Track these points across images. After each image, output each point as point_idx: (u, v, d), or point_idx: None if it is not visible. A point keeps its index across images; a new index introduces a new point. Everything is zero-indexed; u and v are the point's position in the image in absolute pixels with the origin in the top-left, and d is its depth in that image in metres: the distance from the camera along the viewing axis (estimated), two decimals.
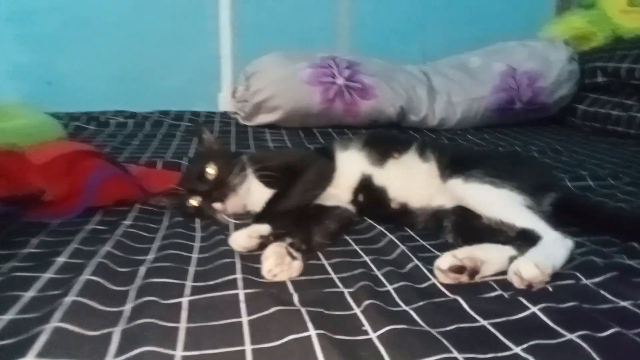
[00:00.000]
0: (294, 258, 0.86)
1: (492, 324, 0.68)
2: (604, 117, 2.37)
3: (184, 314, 0.69)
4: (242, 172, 1.17)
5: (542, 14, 3.00)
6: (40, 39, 2.52)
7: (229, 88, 2.70)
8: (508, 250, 0.89)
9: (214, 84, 2.78)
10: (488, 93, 2.42)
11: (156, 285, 0.78)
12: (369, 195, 1.19)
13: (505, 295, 0.77)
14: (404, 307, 0.74)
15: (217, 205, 1.13)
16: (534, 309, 0.70)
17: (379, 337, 0.64)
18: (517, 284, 0.80)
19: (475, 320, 0.69)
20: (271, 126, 2.34)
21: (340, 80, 2.28)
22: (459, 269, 0.82)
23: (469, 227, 1.03)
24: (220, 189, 1.13)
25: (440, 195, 1.11)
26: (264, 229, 0.99)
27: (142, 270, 0.84)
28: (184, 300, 0.73)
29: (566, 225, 0.99)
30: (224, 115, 2.58)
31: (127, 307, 0.71)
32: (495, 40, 2.64)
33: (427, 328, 0.67)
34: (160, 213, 1.21)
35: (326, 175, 1.18)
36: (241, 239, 0.95)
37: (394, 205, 1.17)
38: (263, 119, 2.34)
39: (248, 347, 0.62)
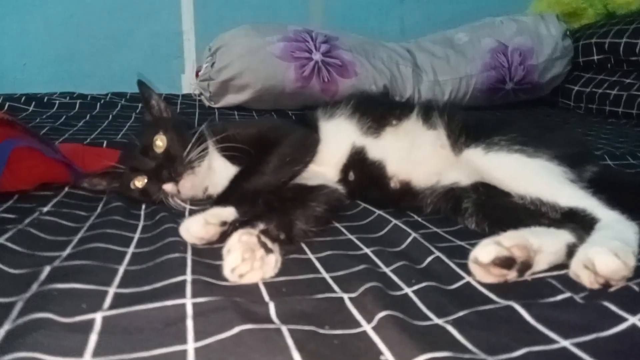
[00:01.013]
0: (268, 251, 0.61)
1: (578, 346, 0.44)
2: (602, 97, 2.19)
3: (91, 341, 0.43)
4: (201, 146, 0.90)
5: None
6: None
7: (192, 68, 2.41)
8: (564, 236, 0.66)
9: (176, 63, 2.48)
10: (478, 71, 2.21)
11: (60, 294, 0.51)
12: (362, 172, 0.95)
13: (577, 298, 0.53)
14: (437, 321, 0.49)
15: (168, 187, 0.87)
16: (634, 319, 0.46)
17: None
18: (589, 281, 0.56)
19: (551, 341, 0.45)
20: (240, 108, 2.07)
21: (317, 56, 2.03)
22: (506, 262, 0.58)
23: (496, 208, 0.80)
24: (172, 166, 0.87)
25: (453, 170, 0.88)
26: (227, 213, 0.73)
27: (46, 271, 0.57)
28: (97, 318, 0.46)
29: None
30: (187, 97, 2.29)
31: (2, 331, 0.45)
32: (478, 17, 2.44)
33: (482, 355, 0.42)
34: (96, 198, 0.94)
35: (308, 147, 0.94)
36: (195, 227, 0.69)
37: (393, 184, 0.93)
38: (231, 99, 2.07)
39: None
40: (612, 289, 0.55)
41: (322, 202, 0.82)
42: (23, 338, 0.42)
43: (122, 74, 2.36)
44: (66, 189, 0.96)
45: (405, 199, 0.92)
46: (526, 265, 0.59)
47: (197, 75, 2.22)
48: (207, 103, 2.13)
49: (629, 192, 0.86)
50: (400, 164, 0.94)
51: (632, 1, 2.45)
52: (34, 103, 1.93)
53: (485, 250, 0.58)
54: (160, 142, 0.90)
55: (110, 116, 1.81)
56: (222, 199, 0.82)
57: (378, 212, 0.86)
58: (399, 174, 0.93)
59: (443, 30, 2.45)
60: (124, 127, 1.65)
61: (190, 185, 0.88)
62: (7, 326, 0.45)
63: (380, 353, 0.43)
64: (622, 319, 0.47)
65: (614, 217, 0.70)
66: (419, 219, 0.86)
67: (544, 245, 0.62)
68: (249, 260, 0.58)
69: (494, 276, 0.58)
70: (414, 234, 0.72)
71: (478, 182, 0.84)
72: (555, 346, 0.44)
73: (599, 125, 1.99)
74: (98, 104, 2.01)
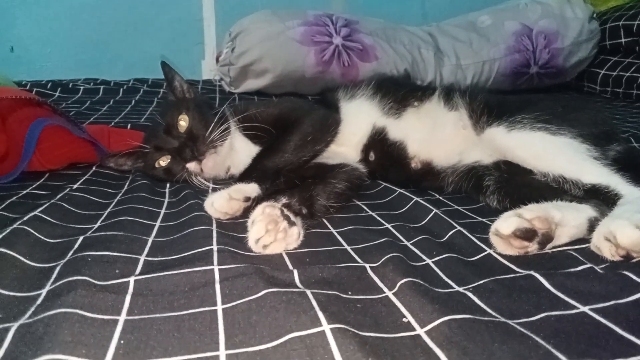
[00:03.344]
0: (291, 223, 0.62)
1: (597, 311, 0.44)
2: (630, 80, 2.14)
3: (126, 301, 0.45)
4: (223, 125, 0.92)
5: None
6: None
7: (212, 54, 2.43)
8: (586, 211, 0.66)
9: (197, 49, 2.50)
10: (501, 54, 2.17)
11: (93, 260, 0.53)
12: (383, 152, 0.96)
13: (597, 269, 0.53)
14: (457, 288, 0.50)
15: (191, 166, 0.88)
16: None
17: (432, 335, 0.41)
18: (610, 253, 0.56)
19: (571, 306, 0.45)
20: (260, 93, 2.08)
21: (337, 40, 2.02)
22: (527, 234, 0.58)
23: (518, 186, 0.79)
24: (195, 145, 0.88)
25: (474, 150, 0.88)
26: (250, 189, 0.75)
27: (80, 240, 0.59)
28: (130, 281, 0.49)
29: None
30: (208, 82, 2.32)
31: (43, 291, 0.47)
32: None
33: (501, 319, 0.43)
34: (123, 177, 0.96)
35: (329, 127, 0.94)
36: (220, 202, 0.71)
37: (414, 164, 0.93)
38: (251, 84, 2.07)
39: (222, 353, 0.39)
40: (633, 261, 0.55)
41: (342, 179, 0.83)
42: (63, 296, 0.44)
43: (144, 60, 2.38)
44: (93, 168, 0.99)
45: (427, 178, 0.93)
46: (547, 238, 0.59)
47: (217, 60, 2.24)
48: (227, 88, 2.14)
49: None
50: (422, 145, 0.94)
51: None
52: (59, 89, 1.97)
53: (506, 222, 0.59)
54: (183, 122, 0.91)
55: (133, 101, 1.84)
56: (244, 177, 0.84)
57: (399, 190, 0.86)
58: (420, 154, 0.93)
59: (465, 13, 2.42)
60: (146, 111, 1.68)
61: (212, 164, 0.90)
62: (47, 287, 0.47)
63: (402, 316, 0.44)
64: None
65: (637, 193, 0.69)
66: (440, 198, 0.87)
67: (566, 218, 0.62)
68: (272, 231, 0.60)
69: (515, 248, 0.58)
70: (435, 210, 0.73)
71: (500, 160, 0.84)
72: (574, 311, 0.45)
73: (625, 109, 1.95)
74: (121, 90, 2.04)
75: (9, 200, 0.75)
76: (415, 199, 0.79)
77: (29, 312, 0.43)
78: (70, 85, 2.04)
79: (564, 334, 0.41)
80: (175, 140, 0.90)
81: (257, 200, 0.74)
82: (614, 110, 1.92)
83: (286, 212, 0.63)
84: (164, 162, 0.91)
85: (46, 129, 0.93)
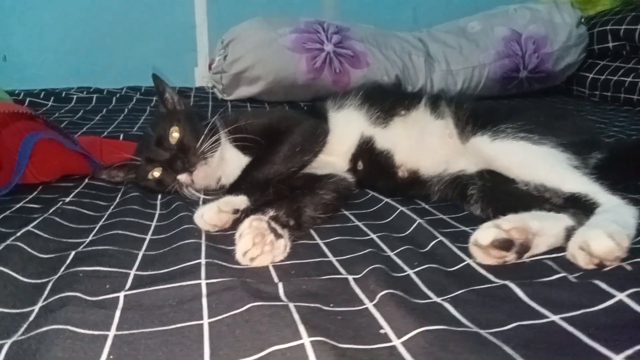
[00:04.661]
0: (278, 236, 0.64)
1: (566, 320, 0.46)
2: (617, 84, 2.17)
3: (115, 317, 0.47)
4: (214, 137, 0.93)
5: None
6: None
7: (205, 62, 2.45)
8: (564, 220, 0.68)
9: (189, 57, 2.51)
10: (491, 60, 2.20)
11: (85, 275, 0.55)
12: (371, 162, 0.98)
13: (571, 277, 0.55)
14: (435, 299, 0.52)
15: (182, 177, 0.90)
16: (621, 295, 0.49)
17: (407, 345, 0.43)
18: (584, 262, 0.59)
19: (541, 315, 0.47)
20: (253, 100, 2.10)
21: (328, 47, 2.05)
22: (505, 244, 0.60)
23: (500, 194, 0.82)
24: (186, 157, 0.90)
25: (460, 158, 0.90)
26: (239, 201, 0.77)
27: (72, 255, 0.61)
28: (120, 296, 0.50)
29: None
30: (200, 90, 2.33)
31: (36, 308, 0.49)
32: (491, 5, 2.43)
33: (475, 329, 0.45)
34: (115, 189, 0.98)
35: (317, 137, 0.96)
36: (209, 215, 0.73)
37: (401, 172, 0.95)
38: (243, 92, 2.10)
39: None
40: (606, 269, 0.57)
41: (330, 190, 0.85)
42: (55, 313, 0.46)
43: (137, 67, 2.40)
44: (86, 180, 1.01)
45: (413, 187, 0.95)
46: (525, 247, 0.62)
47: (210, 68, 2.26)
48: (220, 95, 2.16)
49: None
50: (409, 153, 0.96)
51: None
52: (52, 98, 1.98)
53: (485, 233, 0.61)
54: (175, 134, 0.93)
55: (126, 110, 1.86)
56: (234, 188, 0.85)
57: (386, 200, 0.88)
58: (407, 163, 0.95)
59: (456, 19, 2.45)
60: (139, 120, 1.69)
61: (203, 175, 0.92)
62: (40, 303, 0.49)
63: (380, 327, 0.46)
64: (611, 296, 0.49)
65: (615, 201, 0.72)
66: (426, 206, 0.89)
67: (544, 228, 0.64)
68: (259, 244, 0.62)
69: (493, 258, 0.61)
70: (419, 220, 0.75)
71: (484, 169, 0.86)
72: (544, 320, 0.47)
73: (613, 113, 1.98)
74: (114, 98, 2.05)
75: (3, 215, 0.77)
76: (401, 208, 0.81)
77: (22, 329, 0.45)
78: (63, 94, 2.05)
79: (533, 342, 0.43)
80: (166, 152, 0.92)
81: (246, 212, 0.76)
82: (602, 114, 1.95)
83: (273, 224, 0.65)
84: (156, 173, 0.93)
85: (39, 142, 0.95)
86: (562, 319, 0.47)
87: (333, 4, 2.61)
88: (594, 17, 2.41)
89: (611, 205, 0.70)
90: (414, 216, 0.77)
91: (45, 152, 0.96)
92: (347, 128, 1.00)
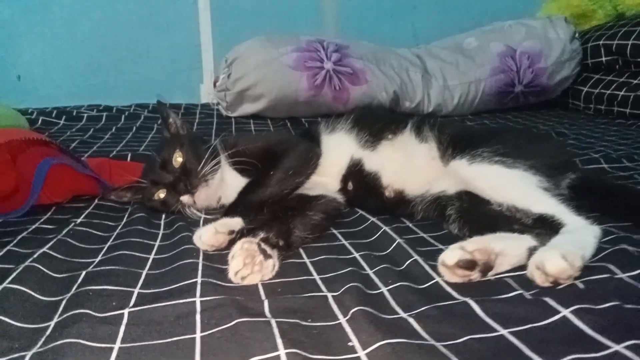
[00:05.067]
0: (267, 256, 0.71)
1: (514, 334, 0.53)
2: (610, 98, 2.22)
3: (120, 331, 0.54)
4: (214, 160, 1.01)
5: None
6: (1, 30, 2.34)
7: (210, 79, 2.54)
8: (526, 241, 0.74)
9: (195, 74, 2.61)
10: (486, 75, 2.27)
11: (94, 294, 0.62)
12: (360, 182, 1.04)
13: (527, 295, 0.62)
14: (402, 314, 0.59)
15: (185, 198, 0.98)
16: (565, 312, 0.55)
17: (370, 356, 0.49)
18: (540, 280, 0.65)
19: (492, 330, 0.54)
20: (256, 116, 2.18)
21: (328, 65, 2.12)
22: (469, 264, 0.67)
23: (476, 214, 0.88)
24: (188, 179, 0.98)
25: (441, 180, 0.97)
26: (235, 222, 0.84)
27: (82, 275, 0.68)
28: (125, 313, 0.58)
29: (586, 212, 0.83)
30: (205, 106, 2.42)
31: (52, 323, 0.56)
32: (490, 21, 2.50)
33: (431, 341, 0.52)
34: (122, 209, 1.06)
35: (310, 160, 1.03)
36: (207, 236, 0.80)
37: (388, 193, 1.02)
38: (247, 109, 2.18)
39: None
40: (560, 287, 0.63)
41: (319, 210, 0.92)
42: (68, 328, 0.53)
43: (145, 85, 2.51)
44: (96, 200, 1.09)
45: (399, 206, 1.01)
46: (488, 267, 0.68)
47: (214, 85, 2.34)
48: (224, 112, 2.24)
49: (603, 196, 0.93)
50: (395, 175, 1.02)
51: None
52: (64, 117, 2.07)
53: (450, 254, 0.68)
54: (179, 158, 1.00)
55: (134, 128, 1.93)
56: (231, 210, 0.92)
57: (372, 219, 0.95)
58: (393, 184, 1.02)
59: (453, 34, 2.52)
60: (146, 138, 1.77)
61: (204, 196, 0.99)
62: (55, 319, 0.57)
63: (349, 340, 0.53)
64: (557, 312, 0.55)
65: (579, 223, 0.78)
66: (410, 225, 0.95)
67: (507, 249, 0.71)
68: (249, 264, 0.69)
69: (459, 276, 0.67)
70: (398, 240, 0.81)
71: (462, 191, 0.93)
72: (494, 334, 0.53)
73: (605, 127, 2.03)
74: (123, 116, 2.13)
75: (20, 236, 0.85)
76: (384, 228, 0.88)
77: (40, 342, 0.52)
78: (74, 113, 2.15)
79: (480, 354, 0.50)
80: (170, 175, 0.99)
81: (241, 232, 0.83)
82: (594, 128, 2.00)
83: (263, 246, 0.72)
84: (160, 195, 1.00)
85: (52, 167, 1.03)
86: (510, 332, 0.53)
87: (334, 21, 2.68)
88: (588, 32, 2.46)
89: (575, 227, 0.76)
90: (395, 236, 0.83)
91: (57, 175, 1.04)
92: (338, 150, 1.07)
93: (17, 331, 0.55)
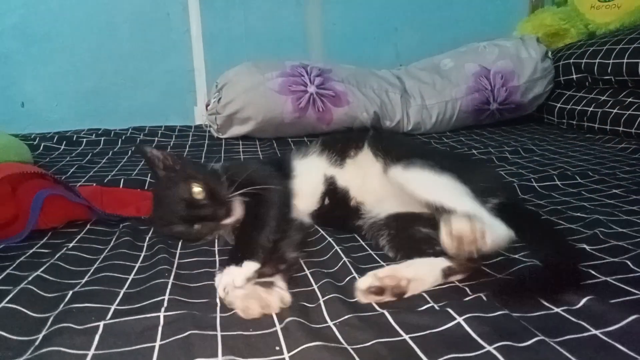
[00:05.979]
0: (269, 292, 0.78)
1: (413, 338, 0.65)
2: (581, 113, 2.35)
3: (95, 340, 0.67)
4: (221, 179, 1.05)
5: (515, 14, 2.98)
6: (6, 60, 2.50)
7: (204, 101, 2.69)
8: (440, 263, 0.85)
9: (189, 97, 2.76)
10: (462, 94, 2.40)
11: (77, 310, 0.75)
12: (334, 198, 1.15)
13: (436, 307, 0.74)
14: (329, 323, 0.71)
15: (229, 220, 1.01)
16: (459, 319, 0.67)
17: (292, 357, 0.62)
18: (449, 244, 0.77)
19: (398, 335, 0.66)
20: (245, 137, 2.32)
21: (311, 88, 2.26)
22: (378, 290, 0.78)
23: (404, 239, 0.99)
24: (220, 203, 1.00)
25: (387, 198, 1.08)
26: (254, 267, 0.86)
27: (69, 294, 0.81)
28: (100, 325, 0.70)
29: None
30: (198, 128, 2.56)
31: (40, 336, 0.69)
32: (469, 41, 2.64)
33: (344, 345, 0.64)
34: (111, 233, 1.18)
35: (287, 204, 1.10)
36: (240, 281, 0.82)
37: (352, 203, 1.14)
38: (236, 130, 2.32)
39: None
40: (465, 299, 0.75)
41: (297, 230, 1.03)
42: (53, 339, 0.66)
43: (142, 108, 2.67)
44: (88, 225, 1.22)
45: (360, 218, 1.12)
46: (400, 291, 0.79)
47: (206, 108, 2.48)
48: (215, 134, 2.38)
49: (514, 220, 0.96)
50: (358, 191, 1.14)
51: (611, 21, 2.59)
52: (64, 142, 2.20)
53: (363, 280, 0.79)
54: (196, 190, 1.01)
55: (130, 152, 2.07)
56: (245, 252, 0.89)
57: (329, 239, 1.07)
58: (357, 197, 1.14)
59: (433, 54, 2.65)
60: (140, 161, 1.90)
61: (239, 210, 1.03)
62: (43, 332, 0.69)
63: (277, 345, 0.65)
64: (453, 319, 0.68)
65: (497, 222, 0.88)
66: (363, 243, 1.07)
67: (419, 274, 0.82)
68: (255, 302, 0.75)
69: (371, 300, 0.78)
70: (344, 259, 0.93)
71: (391, 215, 1.05)
72: (397, 338, 0.65)
73: (573, 142, 2.15)
74: (119, 140, 2.27)
75: (19, 260, 0.98)
76: (336, 247, 1.00)
77: (29, 351, 0.65)
78: (74, 138, 2.28)
79: (380, 354, 0.62)
80: (202, 209, 1.00)
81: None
82: (562, 144, 2.12)
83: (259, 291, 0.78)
84: (197, 227, 1.03)
85: (48, 197, 1.16)
86: (410, 337, 0.65)
87: (320, 45, 2.82)
88: (561, 50, 2.59)
89: (493, 222, 0.87)
90: (342, 255, 0.95)
91: (53, 204, 1.17)
92: (312, 172, 1.17)
93: (10, 343, 0.67)
